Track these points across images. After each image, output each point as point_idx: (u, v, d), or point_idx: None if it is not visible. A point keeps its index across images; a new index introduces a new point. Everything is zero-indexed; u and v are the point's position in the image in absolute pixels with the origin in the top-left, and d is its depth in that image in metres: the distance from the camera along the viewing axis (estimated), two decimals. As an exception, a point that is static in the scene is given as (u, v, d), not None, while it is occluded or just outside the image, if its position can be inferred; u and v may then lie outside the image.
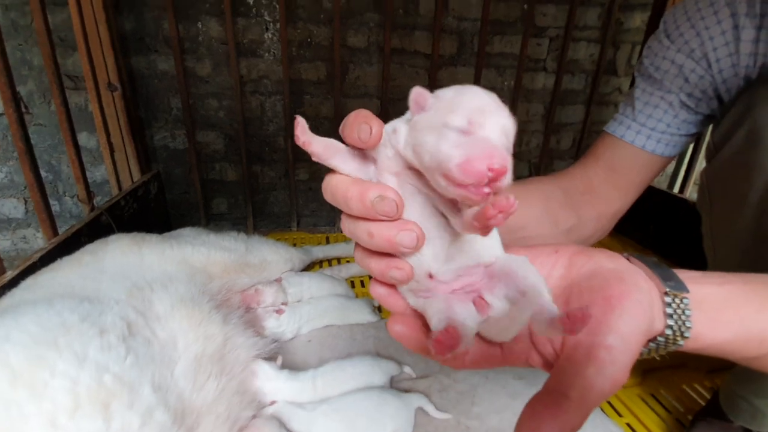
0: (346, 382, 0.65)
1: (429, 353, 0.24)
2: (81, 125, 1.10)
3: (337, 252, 1.11)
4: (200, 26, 1.09)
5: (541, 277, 0.22)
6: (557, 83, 1.26)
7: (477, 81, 1.21)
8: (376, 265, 0.24)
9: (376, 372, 0.67)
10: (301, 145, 0.23)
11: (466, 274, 0.24)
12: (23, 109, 1.07)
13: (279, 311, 0.81)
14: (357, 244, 0.25)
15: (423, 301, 0.24)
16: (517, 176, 0.22)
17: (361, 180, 0.23)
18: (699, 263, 0.62)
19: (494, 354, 0.26)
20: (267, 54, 1.13)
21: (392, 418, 0.58)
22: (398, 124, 0.23)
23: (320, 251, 1.08)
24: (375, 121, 0.22)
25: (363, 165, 0.24)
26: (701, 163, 1.24)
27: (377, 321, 0.85)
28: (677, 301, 0.24)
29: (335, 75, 1.13)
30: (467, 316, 0.23)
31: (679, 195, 1.23)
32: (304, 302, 0.85)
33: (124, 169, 1.09)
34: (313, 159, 0.23)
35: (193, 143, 1.14)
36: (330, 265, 1.08)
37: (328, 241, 1.21)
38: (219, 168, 1.22)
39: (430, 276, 0.23)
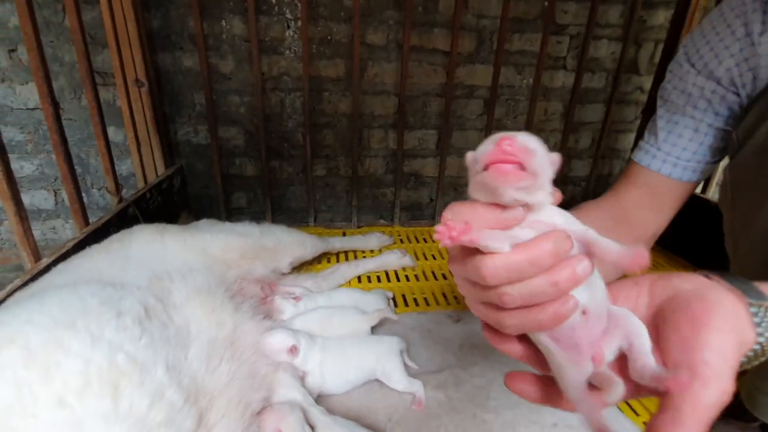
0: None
1: (552, 403, 0.27)
2: (108, 120, 1.13)
3: (353, 244, 1.12)
4: (224, 24, 1.11)
5: (645, 329, 0.25)
6: (577, 81, 1.25)
7: (495, 79, 1.21)
8: (518, 317, 0.24)
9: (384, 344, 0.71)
10: (455, 239, 0.23)
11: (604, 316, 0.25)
12: (55, 104, 1.12)
13: (297, 299, 0.83)
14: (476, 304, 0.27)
15: (550, 344, 0.25)
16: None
17: (525, 244, 0.23)
18: (722, 265, 0.61)
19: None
20: (288, 51, 1.15)
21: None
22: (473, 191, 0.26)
23: (337, 241, 1.09)
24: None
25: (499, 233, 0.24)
26: (724, 162, 1.21)
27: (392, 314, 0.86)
28: (762, 310, 0.24)
29: (354, 72, 1.14)
30: (584, 374, 0.24)
31: (702, 195, 1.20)
32: (320, 293, 0.87)
33: (149, 163, 1.12)
34: (464, 242, 0.23)
35: (215, 138, 1.17)
36: (347, 259, 1.09)
37: (344, 236, 1.22)
38: (239, 163, 1.24)
39: (584, 312, 0.24)
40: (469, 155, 0.25)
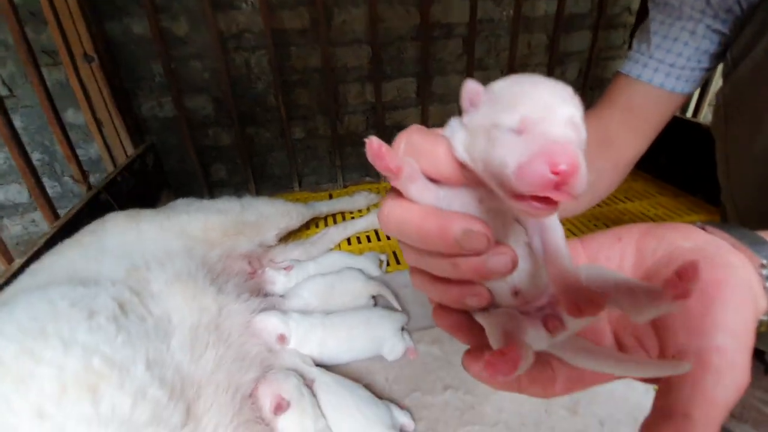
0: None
1: (520, 390, 0.22)
2: (66, 102, 1.07)
3: (340, 206, 1.10)
4: (170, -19, 1.01)
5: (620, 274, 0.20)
6: (560, 7, 1.16)
7: (473, 12, 1.12)
8: (447, 293, 0.21)
9: (386, 321, 0.69)
10: (388, 173, 0.18)
11: (548, 289, 0.21)
12: (7, 92, 1.04)
13: (288, 268, 0.82)
14: (416, 269, 0.22)
15: (485, 316, 0.21)
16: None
17: (436, 210, 0.19)
18: (715, 192, 0.59)
19: (584, 374, 0.23)
20: (244, 5, 1.06)
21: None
22: (455, 125, 0.19)
23: (324, 205, 1.07)
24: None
25: (433, 186, 0.20)
26: (716, 84, 1.16)
27: (382, 275, 0.85)
28: None
29: (320, 21, 1.05)
30: (534, 337, 0.20)
31: (693, 119, 1.17)
32: (311, 261, 0.86)
33: (117, 144, 1.07)
34: (392, 184, 0.19)
35: (182, 110, 1.11)
36: (335, 222, 1.08)
37: (331, 198, 1.19)
38: (212, 133, 1.18)
39: (516, 293, 0.21)
40: (470, 90, 0.18)
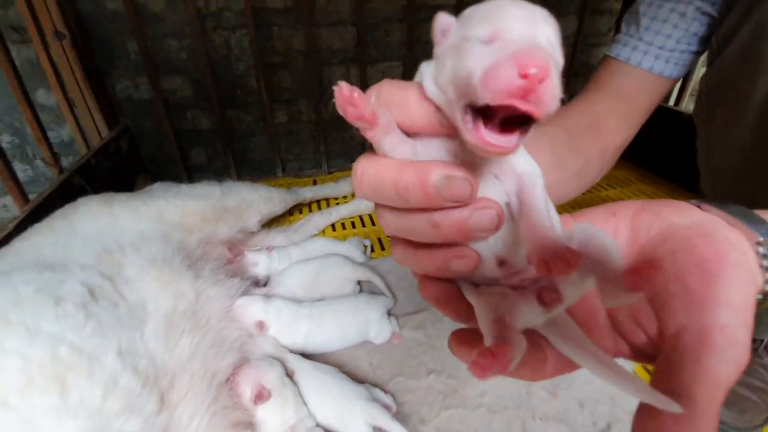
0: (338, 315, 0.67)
1: (509, 373, 0.20)
2: (36, 81, 1.02)
3: (325, 192, 1.08)
4: (144, -47, 0.96)
5: (612, 238, 0.19)
6: (548, -8, 1.15)
7: (460, -4, 1.10)
8: (431, 260, 0.19)
9: (372, 305, 0.69)
10: (361, 122, 0.17)
11: None
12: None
13: (269, 249, 0.81)
14: (396, 240, 0.21)
15: (475, 295, 0.20)
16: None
17: (412, 161, 0.18)
18: (694, 180, 0.60)
19: None
20: (224, -19, 1.02)
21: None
22: (425, 68, 0.18)
23: (308, 191, 1.05)
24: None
25: (409, 139, 0.19)
26: (698, 73, 1.17)
27: (367, 261, 0.85)
28: None
29: (303, 1, 1.02)
30: (528, 315, 0.19)
31: (675, 108, 1.18)
32: (293, 246, 0.84)
33: (90, 126, 1.03)
34: (368, 137, 0.18)
35: (159, 91, 1.06)
36: (319, 208, 1.06)
37: (315, 184, 1.17)
38: (191, 116, 1.15)
39: (502, 263, 0.19)
40: (442, 21, 0.17)
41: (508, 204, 0.19)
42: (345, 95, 0.16)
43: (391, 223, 0.20)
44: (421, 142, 0.19)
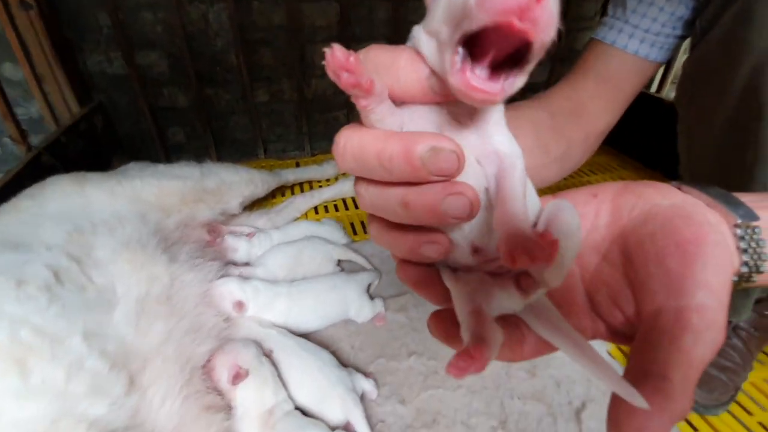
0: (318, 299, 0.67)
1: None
2: (2, 54, 0.96)
3: (308, 175, 1.07)
4: None
5: (579, 223, 0.18)
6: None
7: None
8: (403, 242, 0.19)
9: (351, 283, 0.69)
10: (357, 90, 0.16)
11: None
12: None
13: (250, 234, 0.79)
14: (373, 218, 0.20)
15: (453, 280, 0.20)
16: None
17: (397, 132, 0.17)
18: (673, 166, 0.60)
19: None
20: (201, -49, 0.97)
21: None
22: (417, 31, 0.17)
23: (290, 174, 1.03)
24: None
25: (397, 114, 0.18)
26: (680, 60, 1.18)
27: (348, 243, 0.84)
28: (749, 232, 0.20)
29: (284, -26, 0.98)
30: (506, 300, 0.19)
31: (656, 95, 1.19)
32: (275, 229, 0.83)
33: (60, 102, 0.98)
34: (361, 106, 0.16)
35: (134, 67, 1.02)
36: (301, 190, 1.04)
37: (298, 166, 1.15)
38: (168, 93, 1.10)
39: (476, 250, 0.19)
40: None
41: (486, 190, 0.18)
42: (339, 60, 0.15)
43: (366, 199, 0.19)
44: (408, 111, 0.18)
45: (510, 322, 0.21)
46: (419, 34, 0.17)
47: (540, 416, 0.55)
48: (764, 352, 0.63)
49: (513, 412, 0.55)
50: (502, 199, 0.18)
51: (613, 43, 0.48)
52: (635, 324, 0.20)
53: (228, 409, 0.48)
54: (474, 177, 0.18)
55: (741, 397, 0.58)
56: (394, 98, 0.18)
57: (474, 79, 0.15)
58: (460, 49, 0.15)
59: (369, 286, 0.72)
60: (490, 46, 0.14)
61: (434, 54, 0.16)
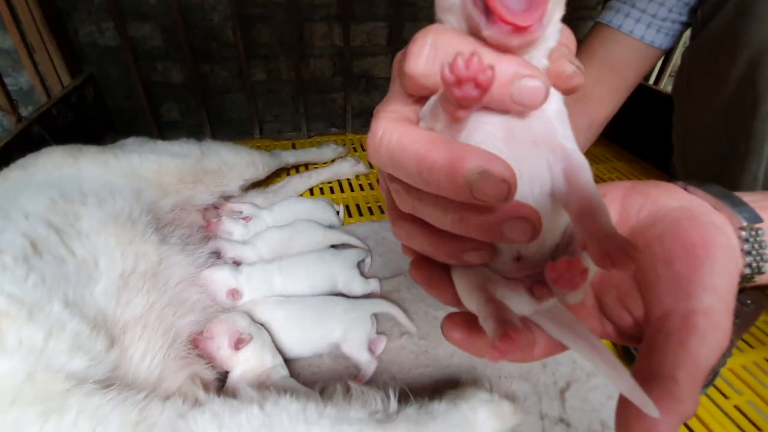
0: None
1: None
2: (-12, 21, 0.93)
3: (307, 157, 1.06)
4: None
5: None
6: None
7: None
8: (444, 247, 0.18)
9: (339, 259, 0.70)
10: (475, 103, 0.14)
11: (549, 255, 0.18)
12: None
13: (246, 219, 0.79)
14: (403, 217, 0.19)
15: (462, 275, 0.19)
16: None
17: (446, 140, 0.15)
18: (666, 159, 0.61)
19: None
20: None
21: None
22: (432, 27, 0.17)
23: (290, 156, 1.02)
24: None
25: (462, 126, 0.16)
26: (679, 53, 1.19)
27: (340, 226, 0.84)
28: (753, 234, 0.20)
29: (284, -51, 0.96)
30: (517, 303, 0.18)
31: (654, 87, 1.19)
32: (266, 210, 0.83)
33: (51, 73, 0.96)
34: (454, 116, 0.15)
35: (126, 38, 0.99)
36: (297, 172, 1.04)
37: (294, 148, 1.15)
38: (162, 68, 1.08)
39: (518, 259, 0.18)
40: None
41: (551, 195, 0.17)
42: (476, 68, 0.13)
43: (407, 202, 0.18)
44: (475, 117, 0.16)
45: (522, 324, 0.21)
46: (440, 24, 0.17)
47: (525, 395, 0.57)
48: (743, 340, 0.66)
49: (500, 390, 0.57)
50: (581, 196, 0.16)
51: (620, 27, 0.48)
52: (643, 325, 0.20)
53: (212, 369, 0.49)
54: (536, 165, 0.17)
55: (719, 381, 0.60)
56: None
57: (506, 13, 0.14)
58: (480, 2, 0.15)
59: (361, 263, 0.73)
60: None
61: (460, 14, 0.16)
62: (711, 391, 0.59)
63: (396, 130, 0.16)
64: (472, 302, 0.19)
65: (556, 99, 0.18)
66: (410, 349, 0.62)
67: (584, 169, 0.17)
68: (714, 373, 0.60)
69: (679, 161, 0.59)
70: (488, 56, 0.15)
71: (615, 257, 0.14)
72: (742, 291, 0.21)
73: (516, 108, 0.15)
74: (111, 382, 0.35)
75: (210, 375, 0.48)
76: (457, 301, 0.20)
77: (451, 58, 0.13)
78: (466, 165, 0.14)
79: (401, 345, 0.62)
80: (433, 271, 0.21)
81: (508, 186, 0.14)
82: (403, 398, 0.45)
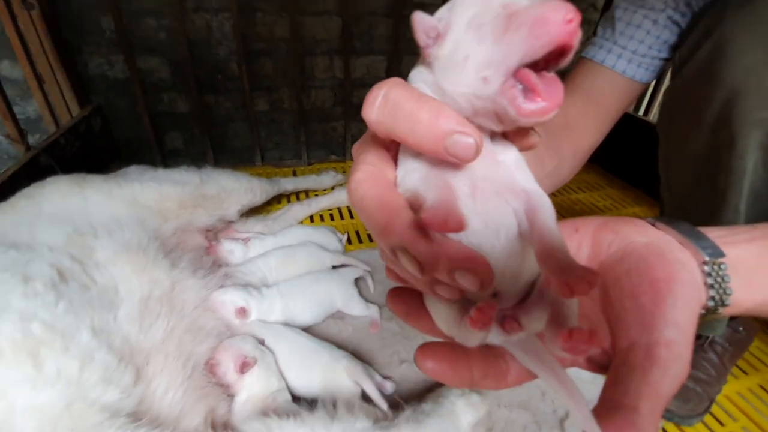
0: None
1: (472, 384, 0.22)
2: (2, 52, 0.97)
3: (306, 184, 1.08)
4: (123, -74, 0.92)
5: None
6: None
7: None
8: (420, 281, 0.19)
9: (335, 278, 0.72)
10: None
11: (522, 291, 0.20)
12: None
13: (246, 239, 0.81)
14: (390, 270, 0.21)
15: (437, 305, 0.21)
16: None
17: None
18: (656, 186, 0.64)
19: None
20: (207, -38, 0.99)
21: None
22: (421, 77, 0.19)
23: (289, 183, 1.04)
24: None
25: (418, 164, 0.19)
26: (667, 85, 1.24)
27: (342, 251, 0.86)
28: (716, 269, 0.21)
29: (288, -12, 1.01)
30: (491, 338, 0.20)
31: (644, 118, 1.24)
32: (270, 236, 0.84)
33: (60, 103, 0.98)
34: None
35: (135, 71, 1.03)
36: (298, 199, 1.06)
37: (295, 175, 1.17)
38: (168, 99, 1.12)
39: (495, 295, 0.19)
40: (424, 23, 0.18)
41: (519, 235, 0.19)
42: (438, 221, 0.16)
43: (380, 245, 0.20)
44: (427, 167, 0.19)
45: (493, 353, 0.22)
46: (427, 81, 0.19)
47: (525, 424, 0.57)
48: (738, 366, 0.66)
49: (499, 419, 0.57)
50: (541, 233, 0.18)
51: (603, 62, 0.51)
52: (611, 355, 0.21)
53: (228, 399, 0.50)
54: (506, 216, 0.19)
55: (715, 408, 0.61)
56: (407, 146, 0.19)
57: (545, 92, 0.16)
58: (517, 82, 0.16)
59: (361, 283, 0.76)
60: (534, 65, 0.16)
61: (469, 100, 0.18)
62: (707, 418, 0.60)
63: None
64: (448, 325, 0.20)
65: (514, 149, 0.20)
66: (411, 378, 0.62)
67: (544, 208, 0.19)
68: (710, 400, 0.60)
69: (665, 191, 0.61)
70: (428, 111, 0.17)
71: (573, 285, 0.16)
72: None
73: (451, 160, 0.17)
74: (139, 416, 0.36)
75: (225, 407, 0.49)
76: (435, 331, 0.22)
77: (397, 110, 0.17)
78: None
79: (402, 373, 0.63)
80: (409, 303, 0.22)
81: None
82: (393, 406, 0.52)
